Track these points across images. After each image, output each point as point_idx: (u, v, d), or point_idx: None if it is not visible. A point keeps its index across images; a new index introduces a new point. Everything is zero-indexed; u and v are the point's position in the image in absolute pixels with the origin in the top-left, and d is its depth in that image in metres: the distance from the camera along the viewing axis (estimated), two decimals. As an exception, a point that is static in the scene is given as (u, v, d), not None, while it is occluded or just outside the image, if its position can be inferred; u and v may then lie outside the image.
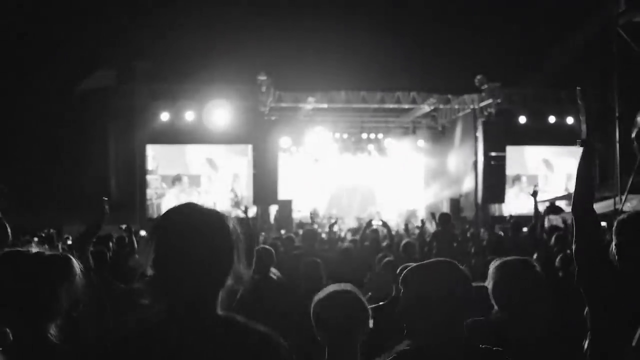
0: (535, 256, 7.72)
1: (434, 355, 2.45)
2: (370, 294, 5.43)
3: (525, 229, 11.19)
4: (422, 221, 13.11)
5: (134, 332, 2.00)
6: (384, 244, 9.81)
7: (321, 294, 3.05)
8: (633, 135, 3.12)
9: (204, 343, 1.95)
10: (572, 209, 3.04)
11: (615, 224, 2.94)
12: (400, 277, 2.60)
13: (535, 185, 9.73)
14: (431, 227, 13.93)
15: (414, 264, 2.71)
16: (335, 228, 21.48)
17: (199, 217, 2.04)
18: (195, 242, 1.98)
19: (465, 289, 2.52)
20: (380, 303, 4.34)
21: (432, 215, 13.16)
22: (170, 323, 1.98)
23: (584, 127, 3.15)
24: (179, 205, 2.09)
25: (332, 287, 3.10)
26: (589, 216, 3.00)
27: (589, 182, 3.11)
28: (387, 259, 6.70)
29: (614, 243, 2.89)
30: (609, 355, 2.76)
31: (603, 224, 11.45)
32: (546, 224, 10.34)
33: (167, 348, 1.94)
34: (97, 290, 2.74)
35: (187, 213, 2.06)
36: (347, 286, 3.10)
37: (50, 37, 22.69)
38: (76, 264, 2.46)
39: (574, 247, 2.97)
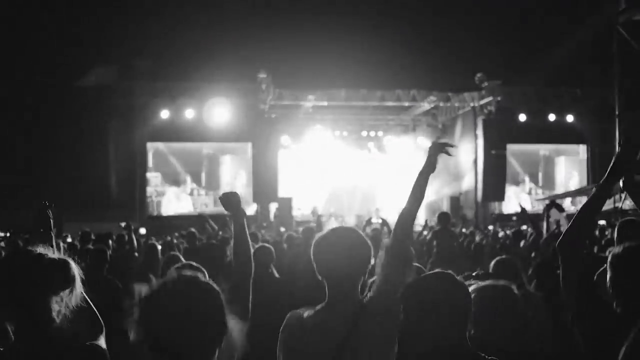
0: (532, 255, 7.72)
1: None
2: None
3: (527, 229, 11.19)
4: (426, 221, 13.13)
5: None
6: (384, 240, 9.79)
7: (320, 235, 2.99)
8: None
9: None
10: (559, 245, 2.87)
11: (609, 257, 2.85)
12: (400, 293, 2.59)
13: (522, 207, 9.73)
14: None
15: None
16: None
17: (188, 295, 2.03)
18: (186, 321, 1.99)
19: (465, 300, 2.52)
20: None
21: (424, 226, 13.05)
22: None
23: (611, 169, 2.94)
24: (167, 283, 2.06)
25: (331, 228, 3.05)
26: (577, 256, 2.85)
27: (589, 225, 2.96)
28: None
29: (608, 276, 2.81)
30: None
31: (602, 222, 11.47)
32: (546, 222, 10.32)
33: None
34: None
35: (176, 292, 2.04)
36: (347, 225, 3.07)
37: (51, 34, 22.69)
38: (75, 268, 2.45)
39: (562, 285, 2.86)
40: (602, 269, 3.50)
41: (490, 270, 4.71)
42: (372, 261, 2.96)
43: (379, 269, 2.89)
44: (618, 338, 2.63)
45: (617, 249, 2.81)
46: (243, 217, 3.14)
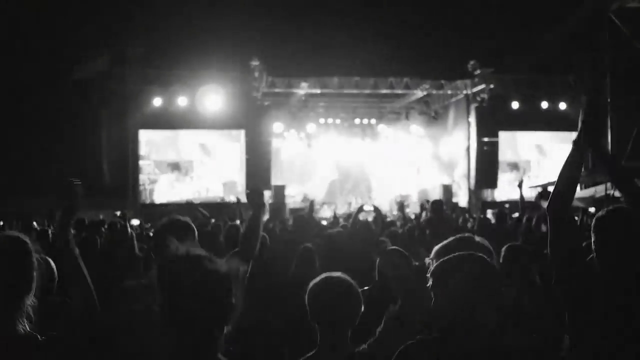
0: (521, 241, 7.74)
1: (454, 345, 2.50)
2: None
3: (516, 214, 11.22)
4: (422, 206, 13.08)
5: None
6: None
7: (315, 283, 3.13)
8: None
9: None
10: (547, 209, 2.92)
11: (593, 221, 2.88)
12: (430, 271, 2.66)
13: (521, 179, 9.69)
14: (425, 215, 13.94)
15: (396, 248, 2.76)
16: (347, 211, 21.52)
17: (201, 275, 2.14)
18: (199, 298, 2.10)
19: (495, 283, 2.57)
20: (365, 288, 4.37)
21: (422, 206, 13.04)
22: None
23: (580, 126, 2.99)
24: (181, 261, 2.17)
25: (325, 276, 3.17)
26: (566, 217, 2.91)
27: (572, 184, 3.00)
28: (383, 246, 6.71)
29: (592, 240, 2.84)
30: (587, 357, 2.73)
31: (592, 209, 11.52)
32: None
33: None
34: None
35: (191, 269, 2.14)
36: (339, 274, 3.17)
37: (43, 23, 22.56)
38: (29, 245, 2.44)
39: (549, 249, 2.88)
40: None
41: (501, 259, 4.69)
42: (361, 309, 3.10)
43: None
44: (598, 297, 2.67)
45: (600, 213, 2.86)
46: (261, 212, 3.74)
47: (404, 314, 3.14)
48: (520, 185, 8.90)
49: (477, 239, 2.70)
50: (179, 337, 2.12)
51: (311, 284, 3.13)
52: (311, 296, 3.08)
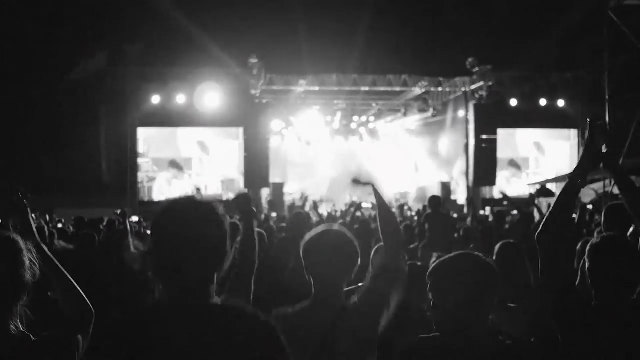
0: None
1: (454, 345, 2.52)
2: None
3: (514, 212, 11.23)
4: (425, 206, 13.10)
5: (128, 316, 2.06)
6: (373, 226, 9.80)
7: (311, 233, 3.13)
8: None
9: (198, 328, 1.99)
10: (538, 237, 2.86)
11: (588, 247, 2.85)
12: (427, 274, 2.66)
13: (502, 194, 9.71)
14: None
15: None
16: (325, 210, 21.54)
17: (195, 210, 2.10)
18: (191, 235, 2.05)
19: (493, 282, 2.58)
20: (359, 284, 4.38)
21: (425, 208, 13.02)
22: (166, 308, 2.04)
23: (580, 160, 2.94)
24: (177, 199, 2.16)
25: (322, 228, 3.18)
26: (557, 246, 2.85)
27: (565, 213, 2.94)
28: (379, 244, 6.69)
29: (586, 267, 2.82)
30: None
31: (590, 207, 11.51)
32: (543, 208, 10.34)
33: (161, 332, 1.98)
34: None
35: (184, 207, 2.12)
36: (336, 225, 3.21)
37: (41, 22, 22.55)
38: (19, 244, 2.43)
39: (542, 277, 2.84)
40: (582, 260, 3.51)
41: (495, 256, 4.69)
42: (358, 261, 3.10)
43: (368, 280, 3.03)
44: (594, 331, 2.65)
45: (594, 240, 2.84)
46: (252, 217, 3.40)
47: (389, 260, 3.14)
48: (505, 197, 8.94)
49: (488, 259, 2.69)
50: (169, 283, 2.05)
51: (307, 236, 3.13)
52: (307, 246, 3.07)
